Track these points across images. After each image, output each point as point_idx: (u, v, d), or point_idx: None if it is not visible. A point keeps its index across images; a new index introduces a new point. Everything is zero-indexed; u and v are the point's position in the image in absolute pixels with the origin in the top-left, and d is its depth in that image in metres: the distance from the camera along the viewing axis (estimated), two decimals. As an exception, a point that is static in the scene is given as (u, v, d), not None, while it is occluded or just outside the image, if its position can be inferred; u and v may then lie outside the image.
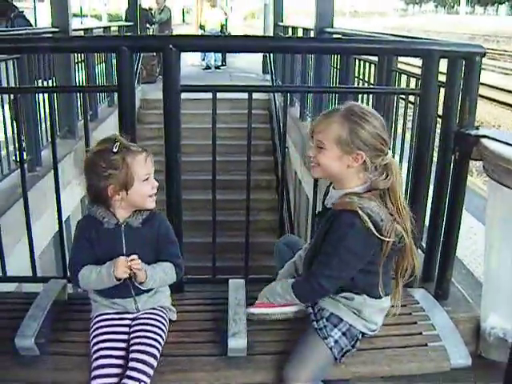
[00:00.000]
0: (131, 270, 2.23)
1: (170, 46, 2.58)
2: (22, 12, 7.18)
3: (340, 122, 2.21)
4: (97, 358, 2.19)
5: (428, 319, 2.66)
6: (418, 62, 2.87)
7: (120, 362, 2.19)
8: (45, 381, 2.34)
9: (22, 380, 2.34)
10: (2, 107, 4.91)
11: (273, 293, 2.47)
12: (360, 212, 2.14)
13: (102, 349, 2.22)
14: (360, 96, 4.37)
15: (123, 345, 2.26)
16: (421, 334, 2.56)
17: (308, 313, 2.41)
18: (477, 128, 2.78)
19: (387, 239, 2.18)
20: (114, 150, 2.21)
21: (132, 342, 2.25)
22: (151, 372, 2.16)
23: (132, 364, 2.14)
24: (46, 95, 5.48)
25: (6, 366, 2.35)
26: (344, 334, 2.32)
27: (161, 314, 2.41)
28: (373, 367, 2.39)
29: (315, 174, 2.36)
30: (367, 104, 4.53)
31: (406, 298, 2.77)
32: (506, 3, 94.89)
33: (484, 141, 2.60)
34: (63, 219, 3.14)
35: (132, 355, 2.18)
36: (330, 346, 2.27)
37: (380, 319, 2.43)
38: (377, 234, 2.15)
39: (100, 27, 10.59)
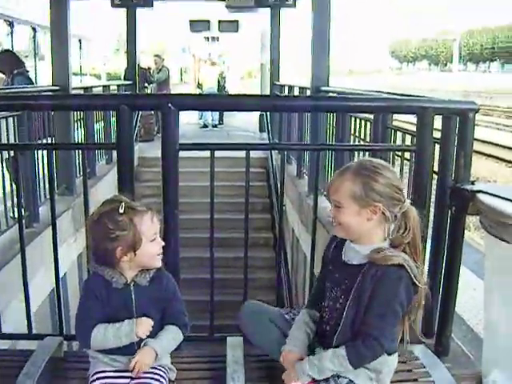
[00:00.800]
0: None
1: (169, 104, 2.62)
2: (28, 71, 7.27)
3: (352, 178, 2.23)
4: None
5: (429, 376, 2.62)
6: (413, 118, 2.91)
7: None
8: None
9: None
10: (2, 163, 4.96)
11: (322, 369, 2.26)
12: (406, 265, 2.17)
13: None
14: (356, 153, 4.42)
15: None
16: (422, 391, 2.53)
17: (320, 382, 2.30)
18: (472, 183, 2.80)
19: (423, 287, 2.22)
20: (121, 210, 2.20)
21: None
22: None
23: None
24: (45, 152, 5.54)
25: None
26: None
27: (161, 373, 2.35)
28: (374, 426, 2.34)
29: (338, 233, 2.35)
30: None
31: (405, 355, 2.74)
32: (497, 60, 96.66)
33: (480, 196, 2.62)
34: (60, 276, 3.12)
35: None
36: None
37: (389, 380, 2.39)
38: (419, 285, 2.19)
39: (99, 86, 10.76)
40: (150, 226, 2.25)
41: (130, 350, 2.29)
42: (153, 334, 2.31)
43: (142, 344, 2.28)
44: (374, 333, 2.18)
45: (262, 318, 2.58)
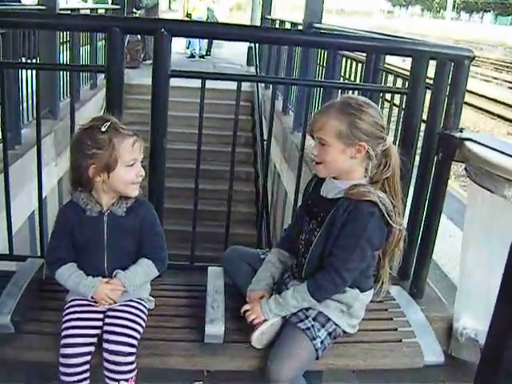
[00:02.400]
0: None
1: (162, 29, 2.57)
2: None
3: (337, 117, 2.22)
4: (66, 337, 2.16)
5: (403, 316, 2.68)
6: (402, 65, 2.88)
7: (90, 347, 2.18)
8: (19, 359, 2.33)
9: (-3, 357, 2.31)
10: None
11: (285, 306, 2.28)
12: (378, 202, 2.18)
13: (72, 335, 2.17)
14: (346, 92, 4.38)
15: (93, 331, 2.22)
16: (396, 329, 2.59)
17: (288, 316, 2.32)
18: (461, 131, 2.80)
19: (398, 226, 2.24)
20: (103, 129, 2.15)
21: (107, 330, 2.21)
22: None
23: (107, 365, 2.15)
24: (29, 74, 5.44)
25: (-21, 342, 2.32)
26: (329, 333, 2.32)
27: (138, 305, 2.34)
28: (347, 360, 2.40)
29: (321, 172, 2.34)
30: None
31: (382, 294, 2.80)
32: (492, 11, 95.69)
33: (468, 143, 2.63)
34: (40, 199, 3.11)
35: (106, 356, 2.16)
36: (317, 348, 2.25)
37: (363, 313, 2.45)
38: (392, 224, 2.22)
39: (87, 8, 10.52)
40: (128, 151, 2.17)
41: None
42: (127, 265, 2.30)
43: (114, 275, 2.26)
44: (336, 264, 2.22)
45: (240, 263, 2.62)
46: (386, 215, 2.20)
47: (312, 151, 2.32)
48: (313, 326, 2.28)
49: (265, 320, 2.30)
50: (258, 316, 2.31)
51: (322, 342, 2.27)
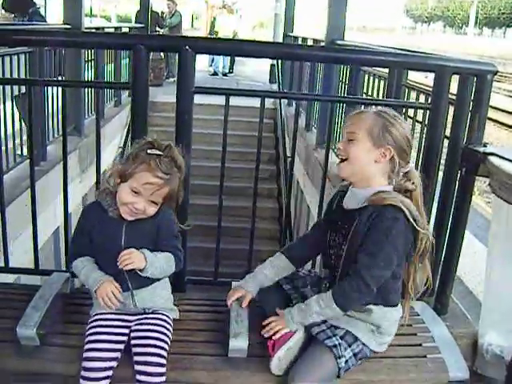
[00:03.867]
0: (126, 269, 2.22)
1: (187, 46, 2.60)
2: (39, 8, 7.19)
3: (373, 117, 2.26)
4: (89, 351, 2.19)
5: (428, 331, 2.67)
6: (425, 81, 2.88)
7: (113, 362, 2.21)
8: (44, 371, 2.33)
9: (22, 370, 2.34)
10: (11, 101, 4.95)
11: (308, 312, 2.28)
12: (403, 206, 2.17)
13: (94, 349, 2.19)
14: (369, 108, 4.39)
15: (118, 346, 2.24)
16: (420, 345, 2.58)
17: (315, 332, 2.31)
18: (484, 145, 2.80)
19: (425, 231, 2.22)
20: (149, 151, 2.21)
21: (137, 343, 2.23)
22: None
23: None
24: (54, 91, 5.53)
25: (7, 354, 2.35)
26: (355, 354, 2.30)
27: (163, 317, 2.37)
28: (371, 375, 2.38)
29: (343, 170, 2.33)
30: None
31: (406, 310, 2.80)
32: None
33: (492, 158, 2.62)
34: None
35: (139, 368, 2.17)
36: (340, 366, 2.23)
37: (395, 330, 2.43)
38: (418, 228, 2.20)
39: (111, 27, 10.65)
40: (139, 181, 2.19)
41: (123, 286, 2.30)
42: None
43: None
44: (361, 271, 2.19)
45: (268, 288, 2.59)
46: (412, 220, 2.18)
47: (338, 146, 2.34)
48: (340, 344, 2.26)
49: (286, 335, 2.30)
50: (282, 327, 2.31)
51: (346, 362, 2.25)
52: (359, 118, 2.30)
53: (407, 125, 2.31)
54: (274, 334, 2.32)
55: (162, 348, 2.22)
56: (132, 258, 2.19)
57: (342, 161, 2.32)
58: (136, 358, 2.19)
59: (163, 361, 2.19)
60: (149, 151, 2.21)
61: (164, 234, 2.35)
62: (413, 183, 2.28)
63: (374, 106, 2.42)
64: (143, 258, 2.22)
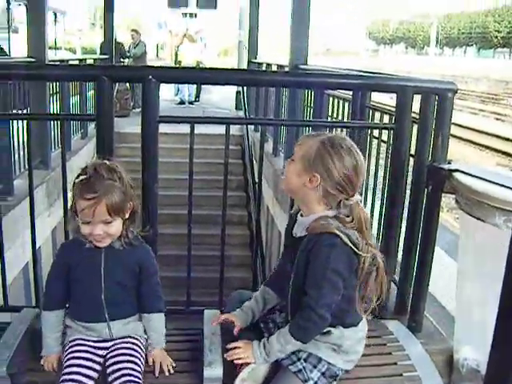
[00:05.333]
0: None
1: (150, 76, 2.61)
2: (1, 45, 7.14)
3: (315, 144, 2.25)
4: (67, 378, 2.17)
5: (403, 349, 2.67)
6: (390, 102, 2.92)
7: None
8: (16, 410, 2.29)
9: (-6, 410, 2.29)
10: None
11: (271, 351, 2.27)
12: (338, 232, 2.17)
13: (72, 373, 2.19)
14: (334, 131, 4.42)
15: (94, 374, 2.25)
16: (396, 364, 2.58)
17: (280, 359, 2.30)
18: (449, 162, 2.84)
19: (366, 254, 2.21)
20: (76, 180, 2.23)
21: (110, 372, 2.23)
22: None
23: None
24: (20, 125, 5.48)
25: (-23, 396, 2.30)
26: (323, 374, 2.29)
27: (137, 342, 2.38)
28: (348, 397, 2.37)
29: (282, 184, 2.40)
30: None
31: (380, 329, 2.79)
32: (474, 46, 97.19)
33: (456, 174, 2.66)
34: (35, 250, 3.11)
35: None
36: None
37: (361, 348, 2.42)
38: (357, 251, 2.18)
39: (76, 59, 10.63)
40: (79, 211, 2.21)
41: (99, 317, 2.32)
42: (123, 299, 2.36)
43: (151, 349, 2.42)
44: (310, 303, 2.19)
45: (239, 306, 2.58)
46: (350, 243, 2.18)
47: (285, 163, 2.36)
48: (304, 367, 2.26)
49: (248, 364, 2.28)
50: (247, 356, 2.30)
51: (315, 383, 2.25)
52: (305, 140, 2.33)
53: (355, 160, 2.24)
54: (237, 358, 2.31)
55: (136, 371, 2.23)
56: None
57: None
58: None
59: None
60: (76, 180, 2.22)
61: (146, 272, 2.40)
62: (353, 223, 2.24)
63: (330, 132, 2.43)
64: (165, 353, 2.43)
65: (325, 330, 2.29)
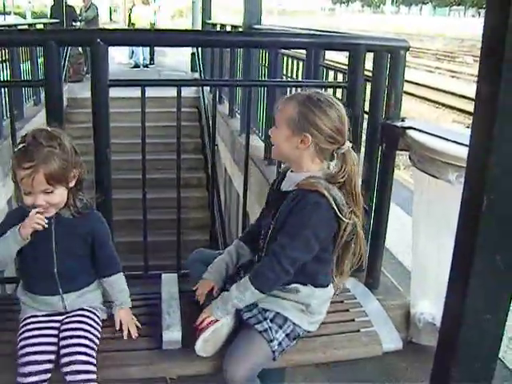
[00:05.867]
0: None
1: (98, 40, 2.55)
2: None
3: (294, 105, 2.25)
4: (23, 356, 2.12)
5: (360, 306, 2.70)
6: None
7: (49, 364, 2.15)
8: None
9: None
10: None
11: (227, 299, 2.28)
12: (326, 193, 2.17)
13: (29, 353, 2.13)
14: (288, 90, 4.40)
15: (52, 348, 2.19)
16: (353, 320, 2.60)
17: (246, 317, 2.30)
18: (402, 120, 2.85)
19: (348, 221, 2.22)
20: (15, 149, 2.14)
21: (62, 346, 2.17)
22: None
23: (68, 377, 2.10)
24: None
25: None
26: (288, 335, 2.30)
27: (90, 315, 2.33)
28: (308, 355, 2.41)
29: (272, 153, 2.38)
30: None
31: (337, 287, 2.83)
32: (430, 4, 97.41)
33: (410, 132, 2.68)
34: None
35: (65, 369, 2.11)
36: (274, 349, 2.23)
37: (325, 310, 2.45)
38: (340, 216, 2.19)
39: (25, 24, 10.35)
40: (20, 181, 2.13)
41: (53, 289, 2.27)
42: (76, 269, 2.31)
43: (114, 308, 2.40)
44: (275, 250, 2.19)
45: (201, 266, 2.56)
46: (335, 207, 2.18)
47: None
48: (270, 327, 2.26)
49: (211, 322, 2.28)
50: (208, 315, 2.30)
51: (279, 344, 2.26)
52: (284, 105, 2.30)
53: (337, 110, 2.25)
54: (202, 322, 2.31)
55: (87, 346, 2.17)
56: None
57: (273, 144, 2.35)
58: (62, 360, 2.13)
59: (88, 358, 2.14)
60: (15, 150, 2.14)
61: (100, 238, 2.35)
62: (343, 170, 2.27)
63: (303, 90, 2.41)
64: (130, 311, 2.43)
65: (292, 288, 2.31)
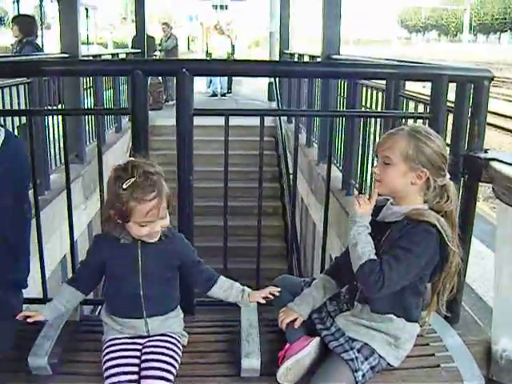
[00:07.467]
0: None
1: (184, 69, 2.62)
2: (32, 39, 7.19)
3: (406, 139, 2.27)
4: (109, 377, 2.18)
5: (440, 341, 2.66)
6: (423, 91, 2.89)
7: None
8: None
9: (35, 399, 2.33)
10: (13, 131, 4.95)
11: (306, 294, 2.49)
12: (437, 224, 2.19)
13: (113, 375, 2.19)
14: (367, 121, 4.40)
15: (135, 369, 2.23)
16: (433, 355, 2.56)
17: (333, 346, 2.32)
18: (485, 151, 2.80)
19: (455, 249, 2.24)
20: (124, 186, 2.15)
21: (144, 367, 2.23)
22: None
23: None
24: (55, 120, 5.55)
25: (19, 385, 2.34)
26: (372, 367, 2.29)
27: (172, 340, 2.36)
28: (386, 388, 2.37)
29: (379, 189, 2.37)
30: (374, 130, 4.57)
31: (417, 321, 2.78)
32: (509, 31, 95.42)
33: (493, 163, 2.62)
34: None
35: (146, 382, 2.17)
36: (358, 380, 2.23)
37: (410, 346, 2.43)
38: (449, 245, 2.21)
39: (108, 54, 10.71)
40: (142, 215, 2.16)
41: (137, 313, 2.32)
42: (162, 293, 2.36)
43: (243, 294, 2.44)
44: (384, 267, 2.16)
45: (283, 292, 2.55)
46: (445, 237, 2.20)
47: (374, 169, 2.35)
48: (357, 357, 2.26)
49: (292, 355, 2.31)
50: (287, 315, 2.40)
51: (363, 376, 2.25)
52: (393, 140, 2.31)
53: (440, 140, 2.32)
54: (287, 327, 2.42)
55: (168, 371, 2.21)
56: None
57: (378, 180, 2.35)
58: (143, 383, 2.17)
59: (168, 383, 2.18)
60: (124, 186, 2.15)
61: (189, 258, 2.43)
62: (447, 199, 2.29)
63: (407, 124, 2.43)
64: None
65: (387, 317, 2.32)
